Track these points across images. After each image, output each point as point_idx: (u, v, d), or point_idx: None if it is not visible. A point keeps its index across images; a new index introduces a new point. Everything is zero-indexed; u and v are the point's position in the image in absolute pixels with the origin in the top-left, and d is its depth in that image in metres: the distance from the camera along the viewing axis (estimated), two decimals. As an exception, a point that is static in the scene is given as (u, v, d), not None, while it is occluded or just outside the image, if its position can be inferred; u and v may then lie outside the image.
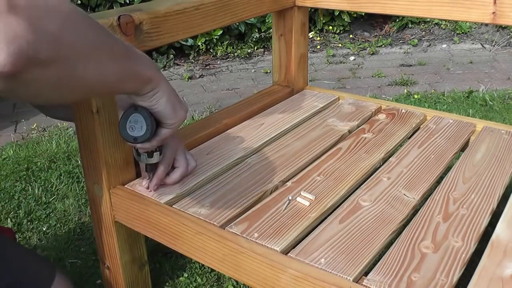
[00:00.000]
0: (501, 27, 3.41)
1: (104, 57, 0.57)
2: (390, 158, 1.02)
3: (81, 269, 1.29)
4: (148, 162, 0.82)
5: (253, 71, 2.91)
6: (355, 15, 3.46)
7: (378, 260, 0.74)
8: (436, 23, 3.60)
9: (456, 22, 3.48)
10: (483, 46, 3.27)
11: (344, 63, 3.03)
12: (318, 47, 3.28)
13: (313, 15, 3.40)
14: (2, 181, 1.67)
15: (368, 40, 3.40)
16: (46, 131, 2.13)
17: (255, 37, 3.15)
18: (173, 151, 0.88)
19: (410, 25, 3.60)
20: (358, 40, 3.40)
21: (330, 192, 0.90)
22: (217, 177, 0.96)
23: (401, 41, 3.40)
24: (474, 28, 3.49)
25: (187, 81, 2.76)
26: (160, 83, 0.70)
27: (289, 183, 0.94)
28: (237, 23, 3.02)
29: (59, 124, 2.18)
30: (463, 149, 1.09)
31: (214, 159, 1.01)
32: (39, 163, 1.78)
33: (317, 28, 3.44)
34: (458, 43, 3.34)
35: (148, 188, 0.89)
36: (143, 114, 0.72)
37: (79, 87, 0.55)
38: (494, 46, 3.26)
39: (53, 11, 0.48)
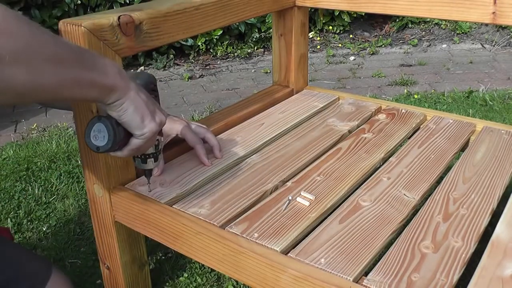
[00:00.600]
0: (501, 27, 3.41)
1: (39, 62, 0.55)
2: (390, 158, 1.02)
3: (81, 269, 1.29)
4: (143, 167, 0.81)
5: (253, 71, 2.91)
6: (355, 15, 3.46)
7: (378, 260, 0.74)
8: (436, 23, 3.60)
9: (456, 22, 3.48)
10: (483, 46, 3.27)
11: (344, 63, 3.03)
12: (318, 47, 3.28)
13: (313, 15, 3.40)
14: (2, 181, 1.67)
15: (368, 40, 3.40)
16: (46, 131, 2.13)
17: (255, 37, 3.15)
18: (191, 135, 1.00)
19: (410, 25, 3.60)
20: (358, 40, 3.40)
21: (330, 192, 0.90)
22: (217, 177, 0.96)
23: (401, 41, 3.40)
24: (474, 28, 3.49)
25: (187, 81, 2.76)
26: (128, 94, 0.68)
27: (289, 183, 0.94)
28: (237, 23, 3.02)
29: (59, 124, 2.18)
30: (463, 149, 1.09)
31: (214, 159, 1.01)
32: (39, 163, 1.78)
33: (317, 28, 3.44)
34: (458, 43, 3.34)
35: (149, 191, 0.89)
36: (105, 124, 0.71)
37: (5, 90, 0.53)
38: (494, 46, 3.26)
39: None
